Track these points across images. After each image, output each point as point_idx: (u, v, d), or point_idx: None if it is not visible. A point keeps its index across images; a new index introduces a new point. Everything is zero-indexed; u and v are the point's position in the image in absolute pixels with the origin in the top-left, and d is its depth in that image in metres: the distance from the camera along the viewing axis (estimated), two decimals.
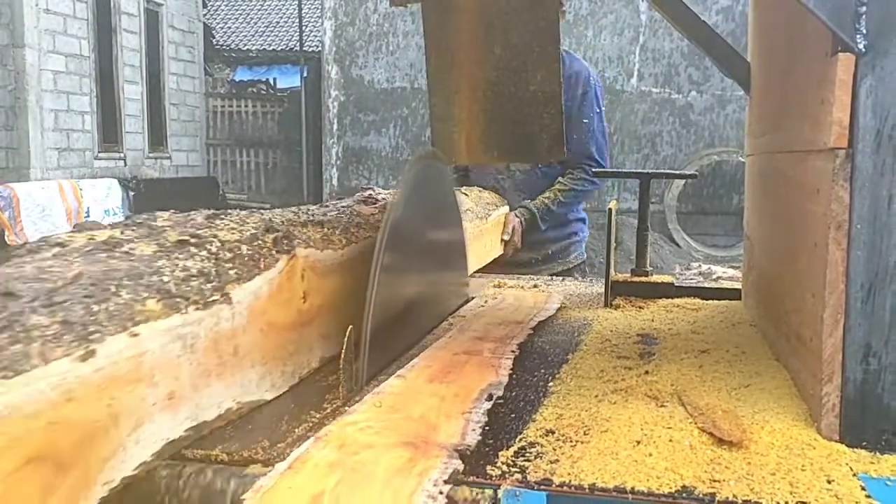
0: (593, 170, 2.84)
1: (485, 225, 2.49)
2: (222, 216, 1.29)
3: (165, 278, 1.01)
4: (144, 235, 1.12)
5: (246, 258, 1.18)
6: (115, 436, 0.88)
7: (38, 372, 0.77)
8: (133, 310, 0.93)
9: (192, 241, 1.13)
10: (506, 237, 2.75)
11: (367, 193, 1.91)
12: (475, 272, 2.33)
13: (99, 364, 0.85)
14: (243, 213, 1.37)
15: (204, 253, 1.12)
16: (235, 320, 1.11)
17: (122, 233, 1.12)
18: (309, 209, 1.61)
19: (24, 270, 0.94)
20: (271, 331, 1.22)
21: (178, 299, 1.00)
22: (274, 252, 1.25)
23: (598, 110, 2.88)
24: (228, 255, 1.15)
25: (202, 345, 1.04)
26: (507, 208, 2.83)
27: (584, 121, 2.83)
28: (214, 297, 1.06)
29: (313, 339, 1.33)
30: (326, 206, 1.73)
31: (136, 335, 0.91)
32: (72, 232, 1.12)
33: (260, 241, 1.24)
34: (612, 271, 2.00)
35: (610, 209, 1.94)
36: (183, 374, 0.99)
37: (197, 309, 1.02)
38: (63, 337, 0.83)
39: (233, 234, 1.21)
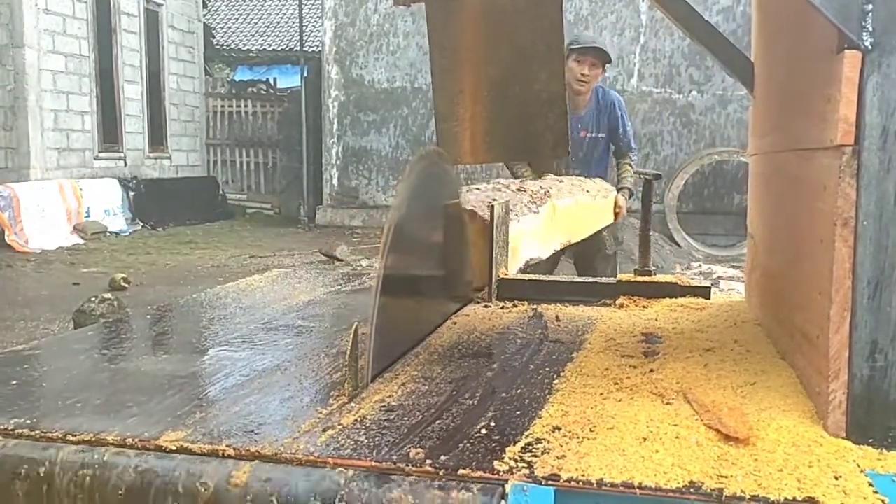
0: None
1: (605, 202, 3.75)
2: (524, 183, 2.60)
3: (525, 200, 2.38)
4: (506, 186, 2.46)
5: (535, 199, 2.47)
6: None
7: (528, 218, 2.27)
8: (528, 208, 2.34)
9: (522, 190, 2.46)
10: (618, 210, 3.97)
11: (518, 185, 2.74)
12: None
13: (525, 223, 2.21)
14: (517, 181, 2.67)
15: (527, 195, 2.42)
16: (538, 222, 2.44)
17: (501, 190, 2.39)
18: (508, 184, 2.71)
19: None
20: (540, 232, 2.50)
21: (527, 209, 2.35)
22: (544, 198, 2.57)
23: (628, 120, 4.31)
24: (528, 198, 2.43)
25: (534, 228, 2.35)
26: (614, 191, 3.96)
27: (624, 128, 4.22)
28: (534, 210, 2.39)
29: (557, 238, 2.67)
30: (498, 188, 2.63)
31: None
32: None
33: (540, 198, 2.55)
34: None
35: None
36: (530, 237, 2.28)
37: (532, 213, 2.34)
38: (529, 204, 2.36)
39: (524, 194, 2.44)
